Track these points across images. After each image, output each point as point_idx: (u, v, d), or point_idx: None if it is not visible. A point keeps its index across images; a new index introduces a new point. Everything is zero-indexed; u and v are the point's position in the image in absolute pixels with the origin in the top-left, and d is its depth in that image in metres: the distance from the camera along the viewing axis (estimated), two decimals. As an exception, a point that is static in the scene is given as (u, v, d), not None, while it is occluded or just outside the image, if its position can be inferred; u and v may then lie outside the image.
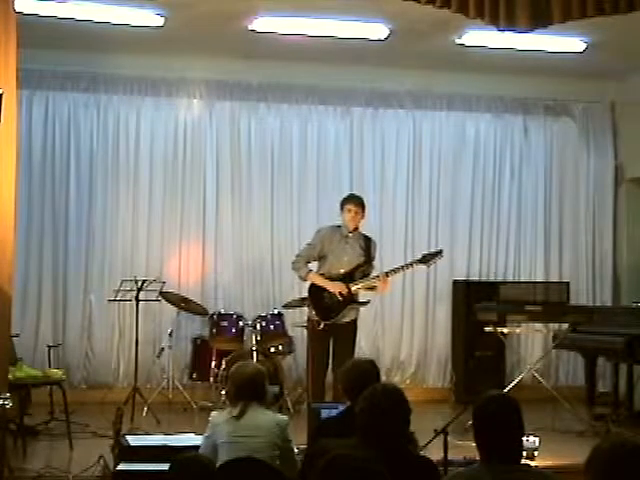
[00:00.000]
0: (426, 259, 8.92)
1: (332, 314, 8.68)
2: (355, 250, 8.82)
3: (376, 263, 9.21)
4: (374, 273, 8.93)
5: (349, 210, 8.80)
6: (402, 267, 8.98)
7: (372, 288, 8.92)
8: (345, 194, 10.40)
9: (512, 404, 4.03)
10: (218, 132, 11.52)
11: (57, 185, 11.12)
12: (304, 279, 8.98)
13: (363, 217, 8.96)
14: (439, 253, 9.04)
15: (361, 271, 8.83)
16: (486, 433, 3.99)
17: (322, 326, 8.67)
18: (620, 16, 7.32)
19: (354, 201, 8.88)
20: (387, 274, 8.78)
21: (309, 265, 8.98)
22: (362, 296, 8.98)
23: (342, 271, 8.76)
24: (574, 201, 12.37)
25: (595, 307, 11.44)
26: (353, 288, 8.72)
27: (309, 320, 8.91)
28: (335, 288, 8.67)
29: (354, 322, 8.84)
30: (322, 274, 8.82)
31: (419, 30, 9.82)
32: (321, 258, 8.90)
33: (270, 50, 10.66)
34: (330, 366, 8.69)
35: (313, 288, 8.84)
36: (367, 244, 8.90)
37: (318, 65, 11.21)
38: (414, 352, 11.89)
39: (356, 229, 8.91)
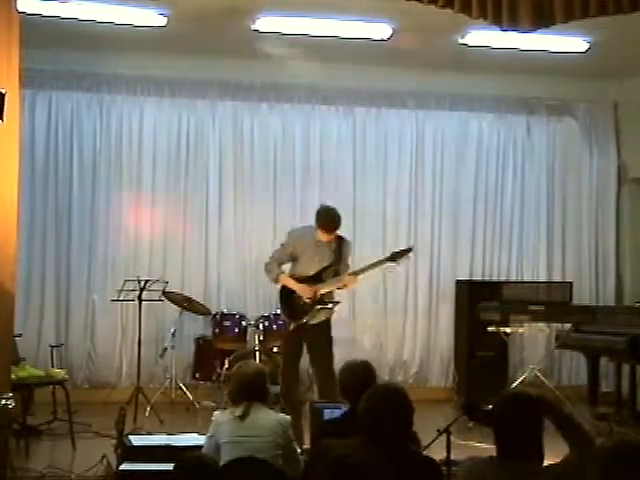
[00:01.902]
0: (395, 257, 8.62)
1: (301, 315, 8.53)
2: (325, 251, 8.57)
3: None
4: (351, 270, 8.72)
5: (322, 234, 8.50)
6: (371, 265, 8.65)
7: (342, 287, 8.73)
8: (349, 195, 10.47)
9: (531, 402, 4.19)
10: (221, 132, 11.53)
11: (60, 185, 11.13)
12: (275, 281, 8.74)
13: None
14: (409, 250, 8.77)
15: (331, 271, 8.59)
16: (501, 430, 4.08)
17: (292, 327, 8.60)
18: (623, 16, 7.31)
19: (330, 229, 8.48)
20: (355, 273, 8.57)
21: (282, 267, 8.76)
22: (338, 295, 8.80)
23: (311, 273, 8.57)
24: (577, 201, 12.37)
25: (598, 307, 11.43)
26: (321, 291, 8.52)
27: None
28: (303, 292, 8.50)
29: (326, 322, 8.61)
30: (292, 275, 8.65)
31: (422, 30, 9.82)
32: (294, 259, 8.70)
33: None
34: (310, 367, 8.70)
35: (284, 290, 8.69)
36: (339, 243, 8.63)
37: (321, 65, 11.19)
38: (417, 352, 11.89)
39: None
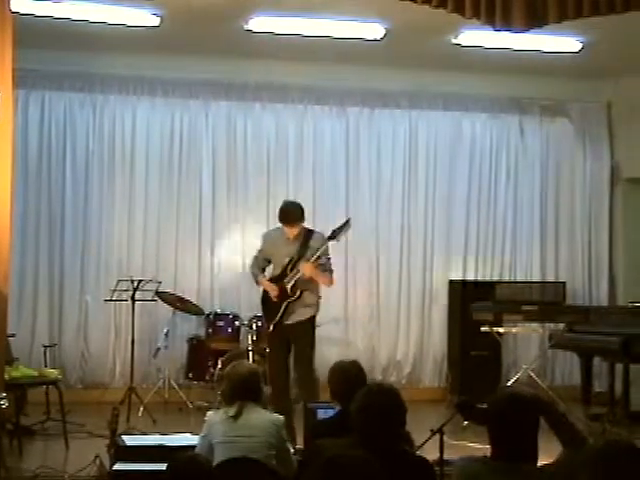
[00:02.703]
0: (335, 234, 8.53)
1: (273, 315, 8.57)
2: (294, 247, 8.58)
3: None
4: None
5: (286, 228, 8.57)
6: (316, 249, 8.50)
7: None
8: (342, 195, 10.48)
9: (528, 402, 4.19)
10: (214, 132, 11.52)
11: (53, 185, 11.11)
12: (257, 284, 8.89)
13: (302, 222, 8.62)
14: (346, 224, 8.60)
15: (292, 264, 8.53)
16: (496, 430, 4.08)
17: (271, 329, 8.64)
18: (616, 16, 7.32)
19: (287, 221, 8.56)
20: (307, 259, 8.43)
21: (266, 269, 8.89)
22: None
23: (280, 270, 8.63)
24: (570, 201, 12.37)
25: (591, 307, 11.46)
26: (287, 286, 8.52)
27: None
28: (269, 290, 8.58)
29: (309, 320, 8.61)
30: (269, 277, 8.76)
31: (415, 30, 9.82)
32: (270, 261, 8.82)
33: (266, 50, 10.65)
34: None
35: (264, 292, 8.77)
36: (307, 237, 8.60)
37: (314, 65, 11.20)
38: (410, 352, 11.89)
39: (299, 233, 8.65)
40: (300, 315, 8.55)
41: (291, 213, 8.58)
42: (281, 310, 8.51)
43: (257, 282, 8.86)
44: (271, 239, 8.81)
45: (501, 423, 4.08)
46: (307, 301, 8.59)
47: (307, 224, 8.56)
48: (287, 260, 8.55)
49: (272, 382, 8.53)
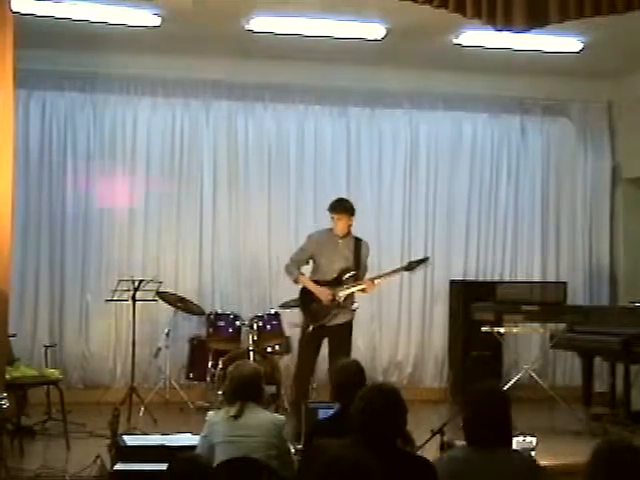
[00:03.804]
0: (412, 266, 9.14)
1: (320, 317, 8.90)
2: (345, 254, 9.01)
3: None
4: (368, 274, 9.14)
5: (338, 219, 9.00)
6: (389, 273, 9.28)
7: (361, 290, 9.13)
8: (343, 195, 10.46)
9: (500, 395, 4.58)
10: (215, 132, 11.52)
11: (54, 185, 11.12)
12: (295, 282, 9.17)
13: (352, 221, 9.11)
14: (425, 260, 9.29)
15: (351, 275, 8.99)
16: (473, 419, 4.47)
17: (310, 329, 8.89)
18: (617, 15, 7.32)
19: (341, 209, 9.03)
20: (374, 279, 9.05)
21: (301, 269, 9.20)
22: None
23: (333, 276, 8.97)
24: (571, 201, 12.37)
25: (592, 307, 11.44)
26: (340, 294, 8.91)
27: (301, 321, 9.27)
28: (321, 295, 8.91)
29: (348, 324, 9.03)
30: (314, 279, 9.03)
31: (416, 30, 9.82)
32: (314, 262, 9.10)
33: (267, 50, 10.66)
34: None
35: (304, 291, 9.08)
36: (357, 247, 9.07)
37: (315, 65, 11.20)
38: (411, 352, 11.89)
39: (348, 233, 9.08)
40: (341, 318, 8.95)
41: (346, 202, 9.15)
42: (330, 314, 8.89)
43: (296, 281, 9.15)
44: (318, 240, 9.13)
45: (474, 411, 4.49)
46: (349, 306, 9.02)
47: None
48: (340, 267, 8.96)
49: (298, 379, 8.83)
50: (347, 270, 8.96)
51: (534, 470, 4.50)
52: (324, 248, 9.02)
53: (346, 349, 8.86)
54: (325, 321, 8.88)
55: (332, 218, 9.05)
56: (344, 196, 11.51)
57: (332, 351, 8.85)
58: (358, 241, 9.11)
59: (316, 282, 8.99)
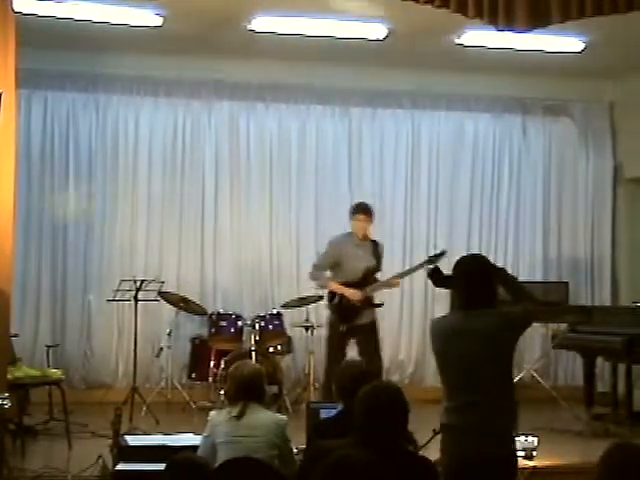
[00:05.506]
0: (432, 259, 9.24)
1: (352, 318, 9.22)
2: (368, 256, 9.33)
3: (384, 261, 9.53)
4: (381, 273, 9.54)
5: (358, 219, 9.32)
6: (412, 269, 9.83)
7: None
8: (345, 195, 10.55)
9: (483, 263, 5.36)
10: (217, 132, 11.53)
11: (56, 185, 11.12)
12: (324, 287, 9.53)
13: (371, 223, 9.43)
14: (443, 253, 9.32)
15: (375, 275, 9.40)
16: (461, 284, 5.22)
17: (342, 329, 9.22)
18: (619, 15, 7.32)
19: (363, 211, 9.34)
20: (400, 276, 9.75)
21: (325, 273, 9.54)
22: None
23: (359, 277, 9.26)
24: (573, 201, 12.37)
25: (594, 307, 11.42)
26: (369, 294, 9.31)
27: (329, 322, 9.48)
28: (353, 296, 9.20)
29: (373, 322, 9.37)
30: (341, 281, 9.32)
31: (418, 30, 9.82)
32: (336, 266, 9.37)
33: (269, 50, 10.66)
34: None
35: (331, 294, 9.37)
36: (376, 248, 9.44)
37: (317, 65, 11.20)
38: (413, 352, 11.89)
39: (366, 235, 9.39)
40: (368, 317, 9.34)
41: (368, 205, 9.47)
42: (361, 314, 9.25)
43: (325, 286, 9.52)
44: (340, 245, 9.42)
45: (464, 279, 5.21)
46: (373, 304, 9.50)
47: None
48: (363, 267, 9.29)
49: (329, 379, 8.79)
50: (370, 270, 9.31)
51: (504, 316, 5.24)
52: (347, 251, 9.32)
53: (376, 345, 9.28)
54: (356, 321, 9.19)
55: (352, 219, 9.37)
56: (344, 196, 11.60)
57: (363, 351, 9.14)
58: (376, 243, 9.47)
59: (342, 284, 9.28)
